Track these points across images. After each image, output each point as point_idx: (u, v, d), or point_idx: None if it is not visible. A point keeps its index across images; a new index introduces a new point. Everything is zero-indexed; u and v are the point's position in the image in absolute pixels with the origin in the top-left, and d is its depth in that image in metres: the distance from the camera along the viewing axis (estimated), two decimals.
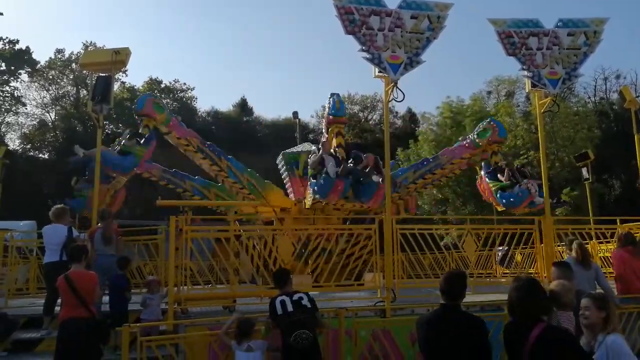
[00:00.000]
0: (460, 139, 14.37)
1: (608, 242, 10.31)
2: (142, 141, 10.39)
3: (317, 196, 9.86)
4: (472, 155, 12.37)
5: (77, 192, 10.28)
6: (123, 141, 10.48)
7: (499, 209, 11.37)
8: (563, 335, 3.32)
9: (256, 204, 12.12)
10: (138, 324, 5.71)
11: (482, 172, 11.89)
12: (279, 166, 14.28)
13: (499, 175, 11.38)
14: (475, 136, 12.33)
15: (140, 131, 10.85)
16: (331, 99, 11.32)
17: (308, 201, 12.34)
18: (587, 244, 9.92)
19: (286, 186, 13.93)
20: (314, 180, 9.87)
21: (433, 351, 3.76)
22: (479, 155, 12.48)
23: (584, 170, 14.51)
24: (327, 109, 11.21)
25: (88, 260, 7.59)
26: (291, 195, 13.43)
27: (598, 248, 10.75)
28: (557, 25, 8.38)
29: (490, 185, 11.42)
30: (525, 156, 25.85)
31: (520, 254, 11.03)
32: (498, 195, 11.04)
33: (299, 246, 8.09)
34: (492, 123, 12.29)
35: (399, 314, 7.07)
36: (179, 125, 11.58)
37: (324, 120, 11.68)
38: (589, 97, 36.38)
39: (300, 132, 28.83)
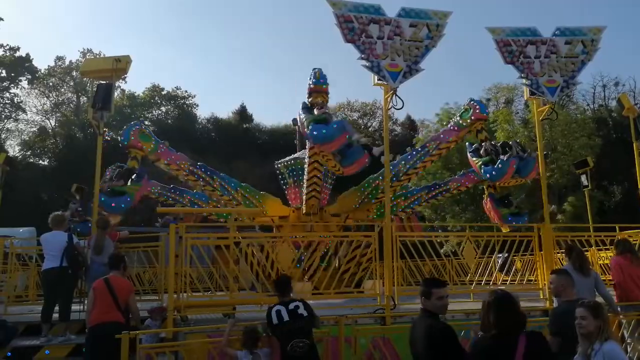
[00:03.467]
0: (444, 124, 14.56)
1: (607, 249, 10.31)
2: (134, 177, 10.54)
3: (318, 142, 9.80)
4: (458, 137, 12.47)
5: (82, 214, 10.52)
6: (113, 181, 10.64)
7: (504, 230, 11.40)
8: (545, 341, 3.39)
9: (254, 211, 12.16)
10: (138, 332, 5.70)
11: (490, 202, 12.05)
12: (278, 173, 14.34)
13: (481, 152, 11.61)
14: (458, 118, 12.51)
15: (127, 164, 11.01)
16: (312, 72, 11.49)
17: (305, 207, 12.39)
18: (586, 251, 9.93)
19: (286, 193, 13.97)
20: (317, 126, 9.72)
21: (413, 354, 3.94)
22: (465, 136, 12.81)
23: (583, 178, 14.52)
24: (308, 81, 11.33)
25: (87, 268, 7.65)
26: (295, 202, 13.46)
27: (598, 256, 10.74)
28: (554, 33, 8.43)
29: (475, 161, 11.65)
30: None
31: (520, 261, 11.03)
32: (482, 170, 11.20)
33: (299, 253, 8.10)
34: (471, 102, 12.34)
35: (399, 321, 7.05)
36: (167, 151, 11.77)
37: (469, 121, 11.90)
38: (588, 105, 36.50)
39: (299, 139, 28.82)
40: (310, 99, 11.16)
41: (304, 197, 12.21)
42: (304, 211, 12.55)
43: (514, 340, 3.23)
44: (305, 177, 11.97)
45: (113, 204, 9.95)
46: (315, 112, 10.28)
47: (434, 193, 13.67)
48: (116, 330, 5.52)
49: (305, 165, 11.95)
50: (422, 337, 3.69)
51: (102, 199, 9.64)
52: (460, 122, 12.26)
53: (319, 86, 11.13)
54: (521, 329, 3.33)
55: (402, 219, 14.52)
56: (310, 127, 9.75)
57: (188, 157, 12.38)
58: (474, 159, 11.79)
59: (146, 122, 41.20)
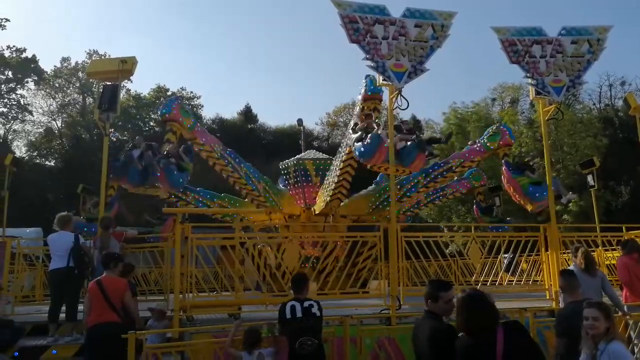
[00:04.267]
0: (469, 143, 14.61)
1: (614, 249, 10.25)
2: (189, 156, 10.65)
3: (362, 159, 9.91)
4: (482, 158, 12.86)
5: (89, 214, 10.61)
6: (89, 208, 11.14)
7: (530, 208, 11.62)
8: (524, 331, 3.44)
9: (260, 211, 12.20)
10: (144, 332, 5.73)
11: (505, 169, 12.00)
12: (284, 173, 14.35)
13: (527, 172, 11.69)
14: (485, 140, 12.68)
15: (165, 137, 10.90)
16: (367, 79, 11.37)
17: (319, 206, 12.40)
18: (593, 251, 9.87)
19: (291, 193, 13.98)
20: (359, 144, 9.84)
21: (416, 354, 3.94)
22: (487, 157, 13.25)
23: (590, 178, 14.44)
24: (363, 88, 11.09)
25: (94, 268, 7.68)
26: (299, 202, 13.49)
27: (604, 256, 10.68)
28: (560, 33, 8.39)
29: (518, 180, 11.59)
30: (531, 163, 25.75)
31: (526, 261, 10.99)
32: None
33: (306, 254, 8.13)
34: (501, 127, 12.83)
35: (404, 321, 7.04)
36: (203, 131, 11.74)
37: (358, 100, 11.45)
38: (594, 104, 36.26)
39: (304, 139, 28.88)
40: (364, 107, 10.98)
41: (327, 197, 12.13)
42: (315, 212, 12.63)
43: (491, 336, 3.22)
44: (333, 179, 11.89)
45: (181, 180, 10.30)
46: (359, 122, 10.35)
47: (433, 175, 13.35)
48: (112, 331, 5.56)
49: (336, 168, 11.82)
50: (426, 338, 3.68)
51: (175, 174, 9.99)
52: (488, 144, 12.51)
53: (375, 94, 10.81)
54: (495, 324, 3.32)
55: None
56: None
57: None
58: (515, 176, 11.69)
59: (151, 123, 41.81)
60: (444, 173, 12.84)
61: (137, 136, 10.92)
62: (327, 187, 12.36)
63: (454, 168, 12.76)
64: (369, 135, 9.62)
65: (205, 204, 12.61)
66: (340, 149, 12.10)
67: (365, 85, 10.89)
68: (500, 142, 12.28)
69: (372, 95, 10.83)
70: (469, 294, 3.53)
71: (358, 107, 11.49)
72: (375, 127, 10.04)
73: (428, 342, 3.65)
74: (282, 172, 14.33)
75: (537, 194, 11.01)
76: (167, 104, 11.15)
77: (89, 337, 5.83)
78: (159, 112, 11.38)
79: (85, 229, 10.75)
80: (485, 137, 12.87)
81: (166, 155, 10.26)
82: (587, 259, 6.56)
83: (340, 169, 11.42)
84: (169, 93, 43.43)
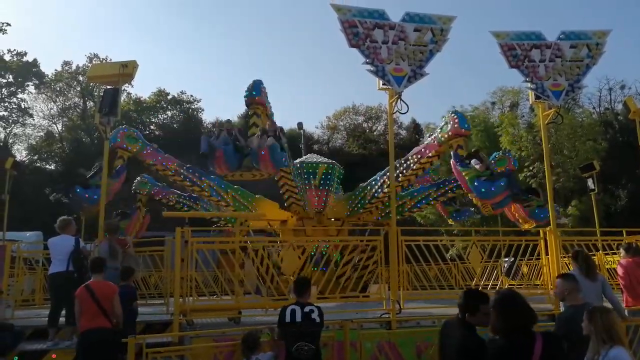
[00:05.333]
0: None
1: (615, 253, 10.25)
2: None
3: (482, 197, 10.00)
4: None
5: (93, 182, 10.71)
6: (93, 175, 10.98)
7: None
8: (562, 344, 3.35)
9: (254, 215, 12.20)
10: (145, 335, 5.72)
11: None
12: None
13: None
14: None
15: (251, 121, 11.16)
16: (459, 114, 11.07)
17: (329, 211, 12.47)
18: (593, 255, 9.87)
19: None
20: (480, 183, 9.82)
21: (441, 353, 3.93)
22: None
23: (590, 182, 14.46)
24: (455, 124, 10.61)
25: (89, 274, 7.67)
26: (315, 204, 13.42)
27: (605, 260, 10.68)
28: (559, 37, 8.43)
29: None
30: (531, 168, 25.77)
31: (527, 265, 10.98)
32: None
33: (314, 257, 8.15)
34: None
35: (405, 326, 7.05)
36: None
37: (447, 130, 10.84)
38: (594, 108, 36.30)
39: (305, 143, 28.90)
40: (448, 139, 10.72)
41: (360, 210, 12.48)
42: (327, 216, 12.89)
43: (529, 341, 3.22)
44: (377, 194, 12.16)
45: (87, 195, 10.29)
46: (476, 165, 10.06)
47: (443, 190, 13.29)
48: (103, 337, 5.59)
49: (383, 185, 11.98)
50: (457, 348, 3.65)
51: (77, 190, 10.21)
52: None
53: (462, 130, 10.57)
54: (530, 327, 3.32)
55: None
56: (475, 184, 9.72)
57: (181, 161, 12.63)
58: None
59: (152, 127, 41.84)
60: (404, 172, 11.96)
61: (221, 121, 11.21)
62: (363, 197, 12.52)
63: (412, 166, 11.84)
64: (495, 179, 9.67)
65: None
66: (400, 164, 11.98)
67: (459, 120, 10.63)
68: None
69: (464, 132, 10.68)
70: (503, 293, 3.53)
71: (434, 137, 11.55)
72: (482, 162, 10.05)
73: (458, 353, 3.64)
74: (301, 170, 14.16)
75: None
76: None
77: (81, 343, 5.80)
78: (244, 95, 11.46)
79: (85, 195, 10.55)
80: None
81: (261, 136, 9.98)
82: (587, 263, 6.55)
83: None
84: (169, 97, 43.51)
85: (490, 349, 3.38)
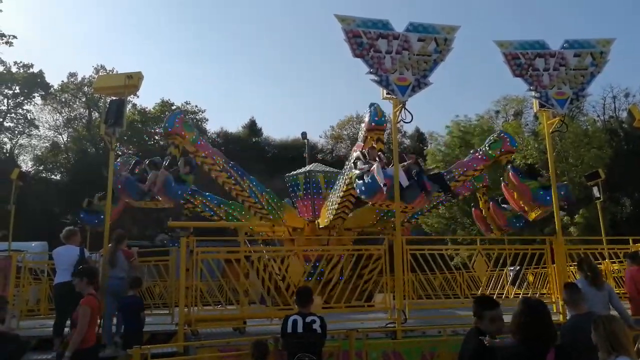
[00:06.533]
0: (471, 152, 14.52)
1: (621, 262, 10.18)
2: (190, 169, 10.81)
3: (363, 196, 9.81)
4: (484, 166, 12.65)
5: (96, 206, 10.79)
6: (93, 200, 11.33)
7: (532, 215, 11.57)
8: (572, 356, 3.34)
9: (266, 224, 12.21)
10: (149, 346, 5.71)
11: (512, 174, 11.79)
12: (289, 186, 14.40)
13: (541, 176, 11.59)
14: (487, 148, 12.56)
15: (168, 151, 11.03)
16: (371, 108, 11.41)
17: (322, 221, 12.41)
18: (599, 264, 9.80)
19: (296, 206, 14.01)
20: (360, 182, 9.67)
21: None
22: (489, 166, 12.96)
23: (595, 190, 14.39)
24: (367, 118, 11.27)
25: (97, 283, 7.69)
26: (307, 215, 13.54)
27: (611, 268, 10.61)
28: (563, 46, 8.43)
29: (528, 184, 11.37)
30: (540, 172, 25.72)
31: (532, 274, 10.92)
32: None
33: (309, 267, 8.12)
34: (502, 135, 12.74)
35: (410, 335, 7.01)
36: (206, 144, 11.90)
37: (362, 128, 11.64)
38: (598, 116, 36.25)
39: (309, 152, 29.01)
40: (367, 136, 11.10)
41: (330, 215, 12.28)
42: (319, 225, 12.66)
43: (544, 351, 3.21)
44: (337, 198, 12.04)
45: (96, 221, 10.87)
46: (361, 155, 10.28)
47: (435, 203, 13.74)
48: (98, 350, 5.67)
49: (339, 189, 11.99)
50: (467, 356, 3.70)
51: (82, 215, 10.53)
52: (490, 152, 12.37)
53: (379, 125, 11.02)
54: (552, 339, 3.32)
55: (482, 211, 14.59)
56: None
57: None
58: (524, 180, 11.53)
59: (156, 137, 42.05)
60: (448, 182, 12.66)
61: (138, 158, 11.17)
62: (331, 204, 12.41)
63: (456, 177, 12.55)
64: (370, 175, 9.37)
65: (212, 209, 12.61)
66: (345, 167, 12.17)
67: (370, 115, 10.94)
68: (502, 150, 12.19)
69: (376, 126, 10.93)
70: (530, 302, 3.56)
71: (361, 136, 11.60)
72: (378, 160, 9.81)
73: (459, 356, 3.75)
74: (289, 184, 14.34)
75: (548, 197, 10.52)
76: (170, 119, 11.31)
77: (94, 356, 5.80)
78: (162, 126, 11.57)
79: (95, 220, 10.86)
80: (487, 145, 12.76)
81: (166, 168, 10.34)
82: (593, 271, 6.51)
83: (344, 191, 11.56)
84: (173, 107, 43.76)
85: (504, 354, 3.39)
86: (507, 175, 12.04)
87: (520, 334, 3.41)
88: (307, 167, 15.17)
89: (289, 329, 5.26)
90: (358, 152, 10.57)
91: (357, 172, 9.86)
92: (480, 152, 12.83)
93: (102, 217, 10.65)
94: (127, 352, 5.85)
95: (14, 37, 36.03)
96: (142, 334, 7.07)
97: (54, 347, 7.17)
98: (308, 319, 5.32)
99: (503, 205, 13.24)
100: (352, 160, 10.79)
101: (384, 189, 8.75)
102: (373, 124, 10.98)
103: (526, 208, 11.70)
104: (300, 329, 5.23)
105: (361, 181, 9.53)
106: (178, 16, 74.41)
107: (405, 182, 8.74)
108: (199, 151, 11.47)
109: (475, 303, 3.94)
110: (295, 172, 14.59)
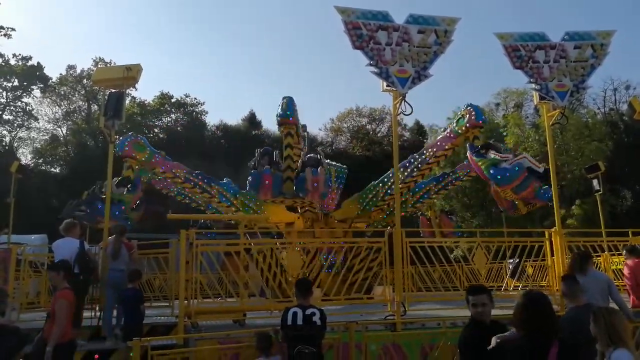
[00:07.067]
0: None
1: (620, 254, 10.21)
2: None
3: (497, 184, 9.95)
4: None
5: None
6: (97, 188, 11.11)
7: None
8: (576, 352, 3.36)
9: (262, 217, 12.23)
10: (150, 338, 5.73)
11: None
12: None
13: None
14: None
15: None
16: (474, 107, 11.48)
17: (344, 212, 12.53)
18: (598, 256, 9.82)
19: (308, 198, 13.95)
20: (498, 169, 9.82)
21: None
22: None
23: (595, 182, 14.41)
24: (467, 117, 11.32)
25: (97, 275, 7.71)
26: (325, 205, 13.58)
27: (610, 260, 10.63)
28: (563, 38, 8.38)
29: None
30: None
31: (532, 266, 10.93)
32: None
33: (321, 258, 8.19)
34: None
35: (410, 327, 7.03)
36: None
37: (464, 128, 11.53)
38: (599, 108, 36.19)
39: (309, 145, 28.92)
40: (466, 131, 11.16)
41: (370, 207, 12.60)
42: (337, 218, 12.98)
43: (546, 345, 3.24)
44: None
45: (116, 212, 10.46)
46: (492, 154, 10.39)
47: (443, 183, 13.57)
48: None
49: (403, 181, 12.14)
50: (462, 343, 4.00)
51: (99, 206, 10.29)
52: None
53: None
54: (554, 332, 3.35)
55: (430, 219, 14.55)
56: (491, 171, 9.99)
57: (185, 164, 12.60)
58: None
59: (156, 130, 41.95)
60: (419, 165, 12.32)
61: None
62: (375, 196, 12.58)
63: (428, 159, 12.22)
64: (515, 162, 9.64)
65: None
66: (409, 162, 12.32)
67: (475, 114, 11.07)
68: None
69: (478, 123, 11.10)
70: (531, 294, 3.61)
71: (448, 130, 11.88)
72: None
73: (458, 346, 4.00)
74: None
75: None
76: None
77: (70, 351, 5.73)
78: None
79: (99, 205, 10.86)
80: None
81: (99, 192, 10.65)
82: (581, 261, 6.39)
83: (410, 180, 11.83)
84: (173, 100, 43.63)
85: (507, 347, 3.44)
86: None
87: (523, 327, 3.44)
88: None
89: (289, 322, 5.28)
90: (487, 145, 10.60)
91: (496, 158, 9.94)
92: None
93: (123, 207, 10.59)
94: (127, 344, 5.88)
95: (12, 29, 35.95)
96: (142, 326, 7.09)
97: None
98: (308, 312, 5.33)
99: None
100: (424, 154, 10.97)
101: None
102: (480, 121, 11.11)
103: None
104: (300, 322, 5.24)
105: (501, 169, 9.63)
106: (175, 8, 74.08)
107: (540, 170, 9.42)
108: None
109: (465, 290, 4.23)
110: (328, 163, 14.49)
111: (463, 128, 11.46)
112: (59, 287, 5.84)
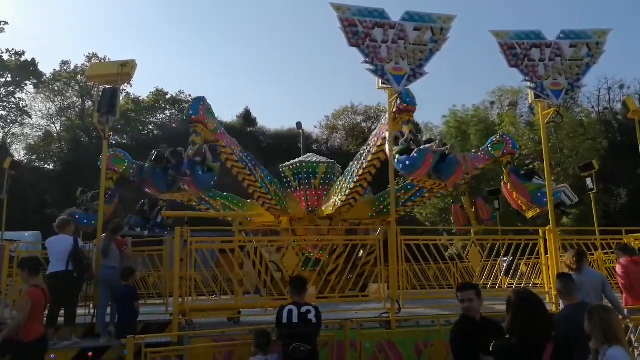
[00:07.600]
0: (472, 151, 14.68)
1: (614, 253, 10.26)
2: (106, 197, 10.59)
3: (403, 171, 9.77)
4: (485, 165, 12.89)
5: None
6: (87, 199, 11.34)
7: (529, 214, 11.87)
8: (570, 352, 3.38)
9: (255, 214, 12.22)
10: (144, 335, 5.70)
11: (512, 176, 12.11)
12: (283, 176, 14.34)
13: (535, 178, 12.09)
14: (490, 148, 12.80)
15: (191, 138, 10.57)
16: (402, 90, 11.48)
17: (327, 210, 12.45)
18: (592, 254, 9.87)
19: (294, 196, 13.95)
20: (402, 157, 9.58)
21: None
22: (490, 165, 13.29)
23: (589, 181, 14.48)
24: (397, 101, 11.15)
25: (91, 272, 7.68)
26: (302, 205, 13.54)
27: (604, 259, 10.69)
28: (559, 36, 8.38)
29: (527, 186, 11.76)
30: (531, 167, 25.82)
31: (526, 264, 10.98)
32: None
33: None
34: (505, 137, 13.10)
35: (404, 325, 7.04)
36: (225, 133, 11.75)
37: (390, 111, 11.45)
38: (593, 107, 36.36)
39: (304, 143, 28.94)
40: (395, 118, 10.76)
41: (338, 202, 12.34)
42: (321, 214, 12.86)
43: (540, 345, 3.24)
44: (348, 184, 12.09)
45: (85, 221, 10.99)
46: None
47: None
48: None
49: (354, 174, 12.04)
50: (452, 337, 4.21)
51: (77, 216, 10.52)
52: (492, 152, 12.61)
53: (410, 106, 10.97)
54: (547, 329, 3.36)
55: (463, 206, 14.58)
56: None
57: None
58: (523, 181, 11.85)
59: (150, 127, 41.79)
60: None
61: (163, 144, 10.83)
62: (340, 191, 12.43)
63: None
64: (416, 149, 9.46)
65: (208, 202, 12.54)
66: (360, 154, 12.28)
67: (402, 96, 10.84)
68: (505, 151, 12.49)
69: (408, 107, 10.88)
70: (520, 294, 3.63)
71: (386, 118, 11.48)
72: (412, 138, 9.99)
73: (449, 342, 4.22)
74: (283, 174, 14.32)
75: (545, 199, 10.65)
76: (194, 105, 10.93)
77: (41, 348, 5.66)
78: (185, 112, 11.29)
79: (84, 220, 10.85)
80: (489, 145, 12.96)
81: (191, 156, 9.94)
82: (576, 259, 6.42)
83: (359, 176, 11.59)
84: (167, 97, 43.46)
85: (501, 348, 3.43)
86: (506, 175, 12.29)
87: (515, 327, 3.42)
88: (299, 158, 15.14)
89: (284, 319, 5.27)
90: (396, 133, 10.19)
91: (399, 147, 9.73)
92: (483, 152, 12.99)
93: (96, 217, 10.55)
94: (121, 342, 5.85)
95: (6, 23, 35.65)
96: (136, 324, 7.07)
97: (47, 337, 7.15)
98: (303, 309, 5.32)
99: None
100: (388, 138, 10.67)
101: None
102: (405, 104, 10.80)
103: (524, 207, 11.84)
104: (295, 319, 5.23)
105: (404, 156, 9.46)
106: (173, 5, 73.71)
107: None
108: (220, 141, 11.18)
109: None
110: (286, 164, 14.51)
111: (499, 153, 12.56)
112: (27, 284, 5.73)
